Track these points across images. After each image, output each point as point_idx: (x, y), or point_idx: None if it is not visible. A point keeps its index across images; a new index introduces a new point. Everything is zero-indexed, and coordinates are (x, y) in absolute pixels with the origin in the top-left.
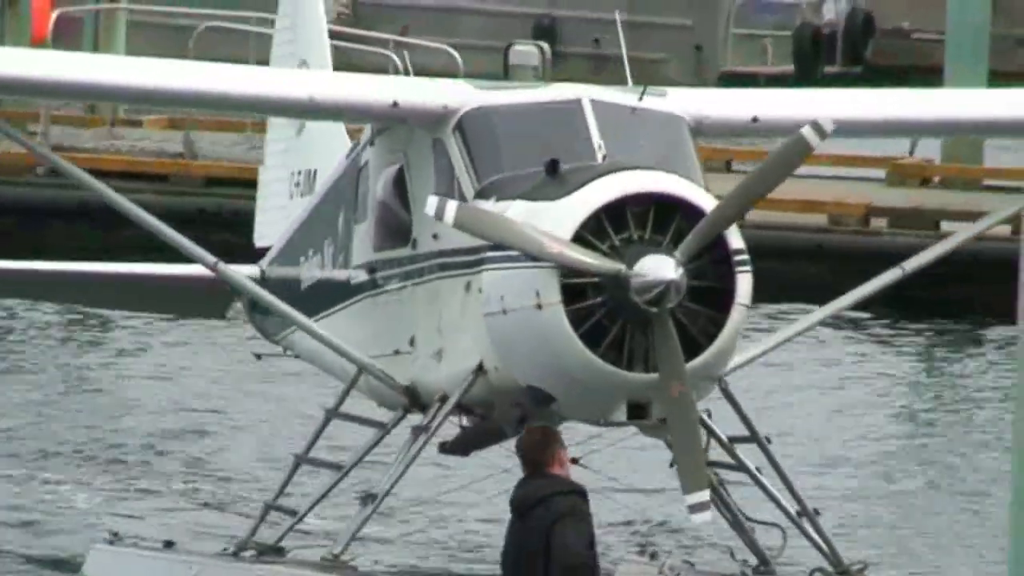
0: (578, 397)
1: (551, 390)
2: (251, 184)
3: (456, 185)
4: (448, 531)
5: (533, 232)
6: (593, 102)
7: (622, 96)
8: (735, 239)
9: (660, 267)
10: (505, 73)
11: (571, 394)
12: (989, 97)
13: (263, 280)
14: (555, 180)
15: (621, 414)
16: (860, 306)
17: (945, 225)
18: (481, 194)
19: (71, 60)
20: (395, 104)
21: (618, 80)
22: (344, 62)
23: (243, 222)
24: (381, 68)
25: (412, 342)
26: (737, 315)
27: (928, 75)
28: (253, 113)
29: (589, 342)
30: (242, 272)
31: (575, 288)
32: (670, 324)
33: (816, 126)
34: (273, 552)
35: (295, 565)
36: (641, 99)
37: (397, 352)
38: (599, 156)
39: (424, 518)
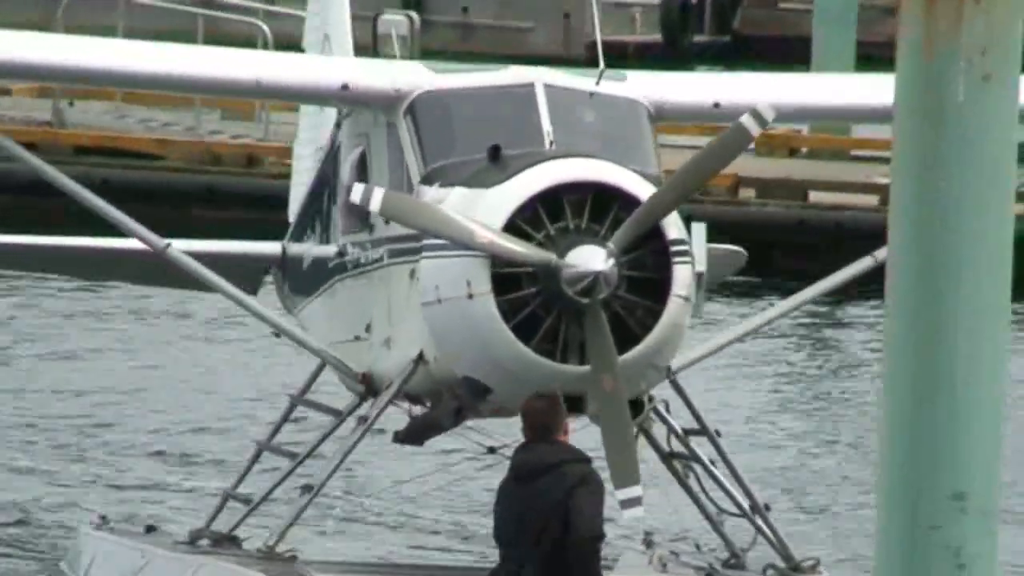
0: (513, 389)
1: (487, 381)
2: (120, 153)
3: (405, 170)
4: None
5: (463, 221)
6: (547, 87)
7: (580, 80)
8: (673, 229)
9: (590, 257)
10: (374, 42)
11: (506, 386)
12: None
13: (284, 256)
14: (496, 166)
15: None
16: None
17: (813, 196)
18: (426, 180)
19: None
20: (345, 87)
21: (486, 48)
22: (214, 31)
23: (113, 190)
24: (251, 37)
25: (368, 329)
26: (674, 307)
27: (796, 45)
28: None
29: (522, 333)
30: (194, 248)
31: (507, 278)
32: (602, 316)
33: (756, 114)
34: (228, 541)
35: (234, 558)
36: (598, 83)
37: (357, 338)
38: (547, 142)
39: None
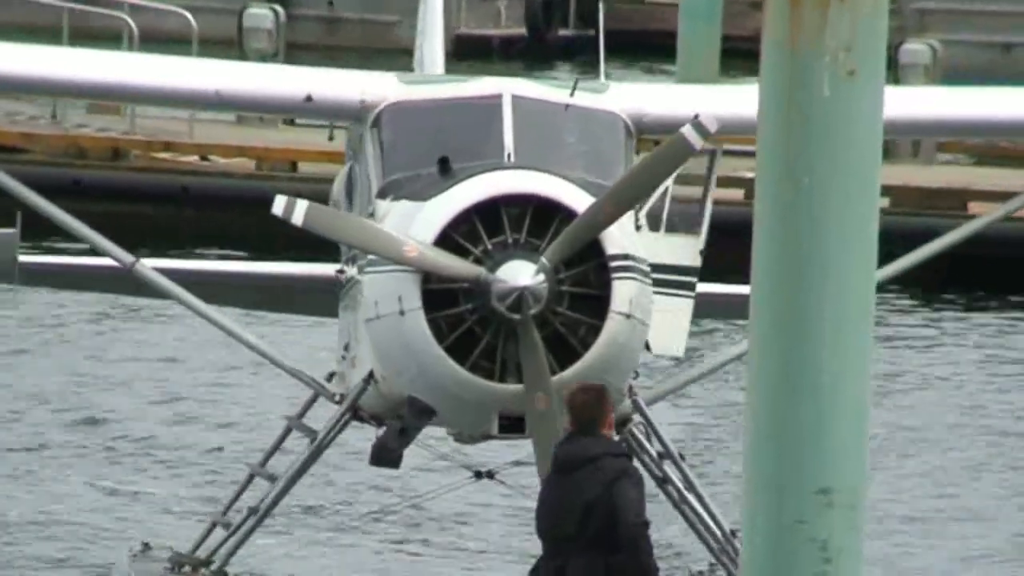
0: (452, 409)
1: (427, 400)
2: None
3: (366, 183)
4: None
5: (390, 234)
6: (516, 99)
7: (555, 93)
8: (613, 244)
9: (517, 272)
10: (239, 36)
11: (447, 405)
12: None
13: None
14: (443, 179)
15: (495, 428)
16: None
17: (675, 190)
18: (381, 193)
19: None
20: (309, 98)
21: (352, 42)
22: (80, 26)
23: None
24: (116, 31)
25: (346, 348)
26: (613, 324)
27: (662, 40)
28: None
29: (458, 351)
30: (257, 270)
31: (444, 294)
32: (534, 332)
33: (698, 125)
34: (204, 567)
35: None
36: (572, 95)
37: (343, 358)
38: (506, 155)
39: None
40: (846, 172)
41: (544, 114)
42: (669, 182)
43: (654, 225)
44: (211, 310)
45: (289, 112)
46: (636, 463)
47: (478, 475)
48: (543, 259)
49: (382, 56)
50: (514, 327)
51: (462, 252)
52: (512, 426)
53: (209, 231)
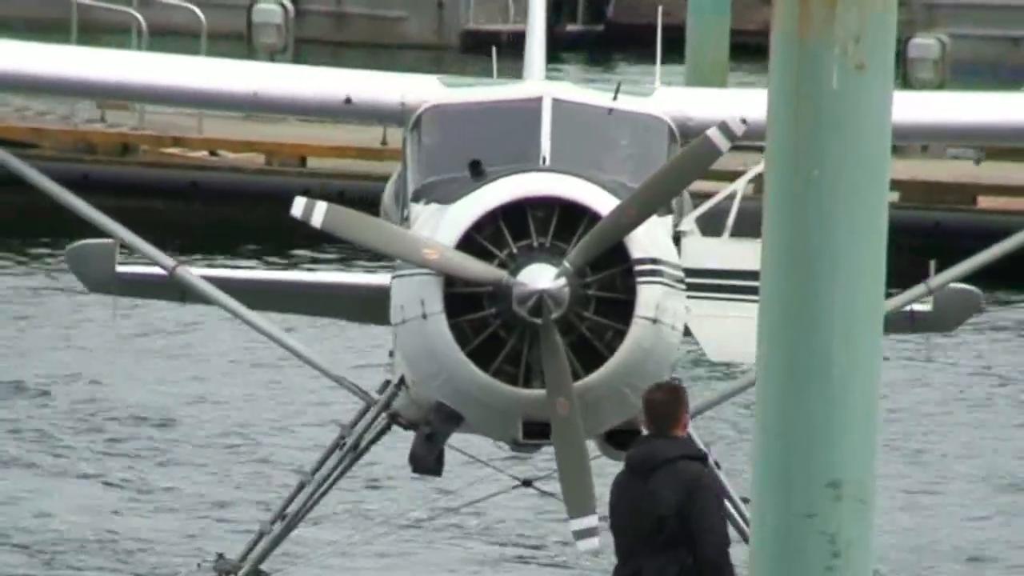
0: (479, 415)
1: (454, 406)
2: None
3: (405, 187)
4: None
5: (411, 237)
6: (557, 102)
7: (599, 96)
8: (638, 248)
9: (537, 275)
10: (248, 31)
11: (473, 411)
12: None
13: None
14: (474, 182)
15: (520, 434)
16: None
17: None
18: (415, 196)
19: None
20: (348, 100)
21: (360, 37)
22: (88, 20)
23: None
24: (125, 26)
25: (391, 353)
26: (638, 329)
27: (670, 33)
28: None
29: (483, 356)
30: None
31: (465, 298)
32: (556, 336)
33: (725, 128)
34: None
35: None
36: (615, 99)
37: (389, 364)
38: (542, 160)
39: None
40: (855, 165)
41: (585, 118)
42: (741, 185)
43: (715, 230)
44: (257, 317)
45: (328, 114)
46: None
47: (526, 483)
48: (565, 263)
49: (389, 51)
50: (537, 331)
51: (487, 255)
52: (537, 431)
53: (218, 226)
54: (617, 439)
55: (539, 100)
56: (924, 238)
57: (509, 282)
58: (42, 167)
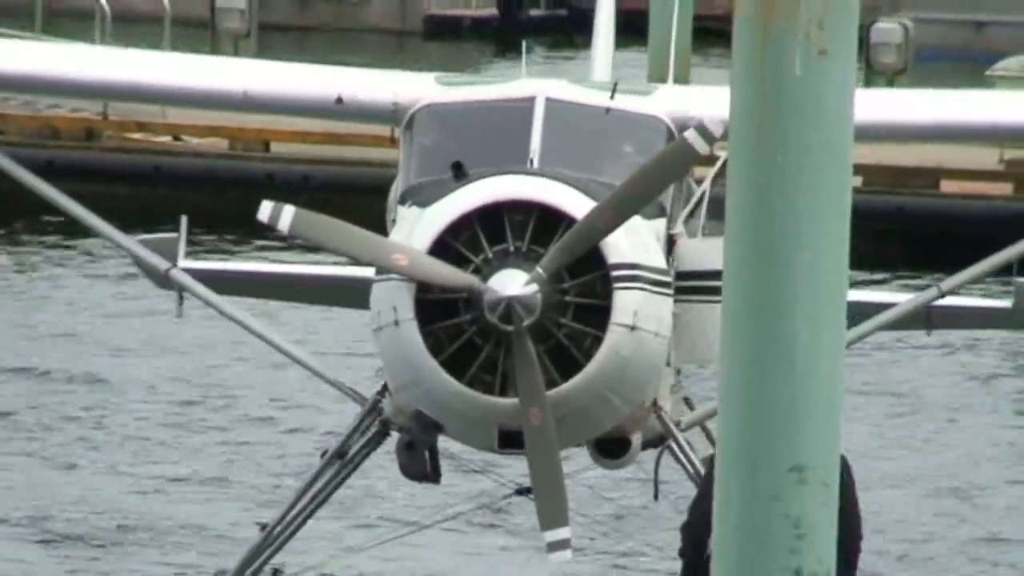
0: (456, 423)
1: (431, 414)
2: None
3: (397, 189)
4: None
5: (380, 242)
6: (550, 101)
7: (596, 96)
8: (615, 252)
9: (506, 281)
10: (212, 16)
11: (448, 420)
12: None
13: None
14: (454, 184)
15: (495, 443)
16: None
17: None
18: (402, 198)
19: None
20: (339, 100)
21: (323, 21)
22: (54, 6)
23: None
24: (89, 11)
25: None
26: (615, 336)
27: (634, 18)
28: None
29: (459, 364)
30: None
31: (439, 305)
32: (528, 344)
33: (702, 129)
34: None
35: None
36: (612, 98)
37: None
38: (529, 160)
39: None
40: (818, 151)
41: (580, 118)
42: (709, 180)
43: (693, 231)
44: (255, 321)
45: (319, 114)
46: None
47: (519, 492)
48: (538, 268)
49: (352, 36)
50: (505, 338)
51: (462, 260)
52: (513, 441)
53: (182, 211)
54: (606, 448)
55: (532, 99)
56: (888, 222)
57: (480, 288)
58: (6, 152)
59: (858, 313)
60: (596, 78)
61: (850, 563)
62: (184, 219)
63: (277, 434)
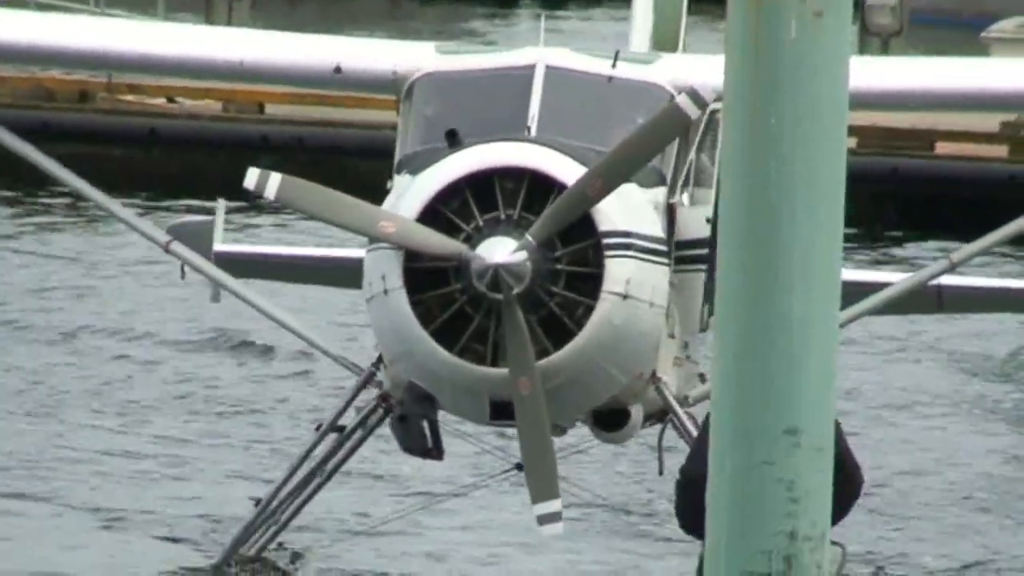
0: (450, 395)
1: (424, 385)
2: None
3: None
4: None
5: (369, 209)
6: (551, 69)
7: (598, 64)
8: (606, 220)
9: (493, 249)
10: None
11: (440, 391)
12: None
13: None
14: (448, 152)
15: (486, 414)
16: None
17: None
18: (398, 168)
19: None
20: (338, 70)
21: None
22: None
23: None
24: None
25: None
26: (607, 304)
27: None
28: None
29: (449, 333)
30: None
31: (429, 273)
32: (517, 313)
33: (694, 94)
34: (254, 563)
35: None
36: (614, 66)
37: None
38: (530, 129)
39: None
40: (813, 113)
41: (581, 86)
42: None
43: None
44: (254, 294)
45: (317, 85)
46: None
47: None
48: (527, 235)
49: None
50: (495, 307)
51: (453, 228)
52: (505, 412)
53: (177, 172)
54: (604, 420)
55: (532, 67)
56: (882, 184)
57: (468, 256)
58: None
59: (860, 293)
60: (634, 47)
61: (846, 505)
62: (221, 203)
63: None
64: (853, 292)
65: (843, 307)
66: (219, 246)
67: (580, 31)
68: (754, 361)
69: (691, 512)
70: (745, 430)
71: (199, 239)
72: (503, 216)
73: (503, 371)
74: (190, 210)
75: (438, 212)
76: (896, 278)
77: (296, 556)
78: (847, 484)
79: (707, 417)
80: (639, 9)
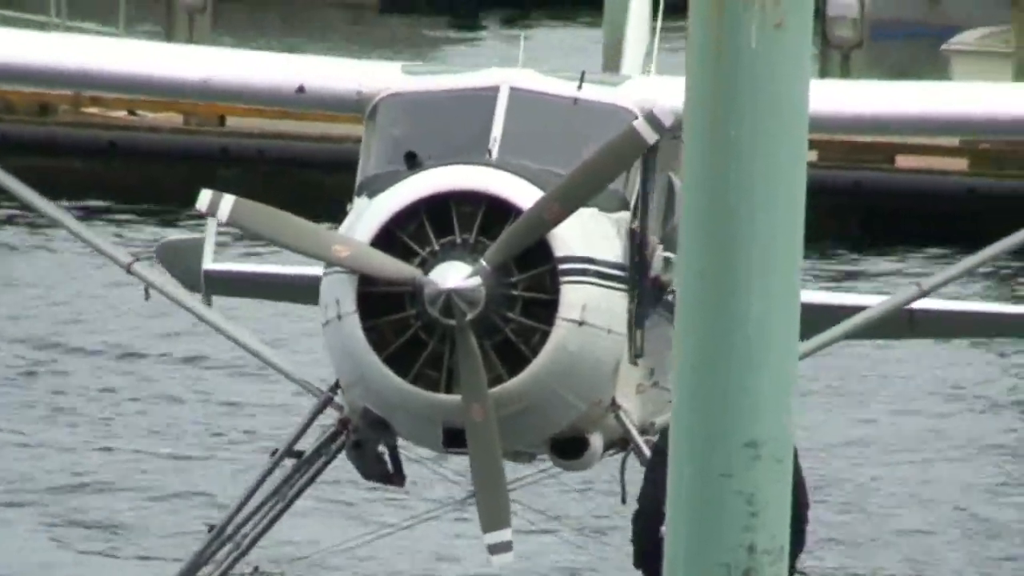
0: (403, 421)
1: (378, 411)
2: None
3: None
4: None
5: (322, 233)
6: (515, 91)
7: (564, 86)
8: (563, 246)
9: (445, 274)
10: (168, 5)
11: (396, 418)
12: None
13: None
14: (406, 175)
15: (439, 441)
16: None
17: None
18: (359, 190)
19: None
20: (301, 89)
21: (274, 8)
22: None
23: None
24: None
25: None
26: (562, 331)
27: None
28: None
29: (403, 359)
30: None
31: (384, 298)
32: (471, 338)
33: (652, 118)
34: None
35: None
36: (580, 88)
37: None
38: (492, 152)
39: None
40: (773, 124)
41: (543, 108)
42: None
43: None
44: (217, 317)
45: (281, 104)
46: None
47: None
48: (482, 260)
49: (308, 10)
50: (448, 333)
51: (408, 252)
52: (459, 439)
53: (137, 185)
54: (562, 448)
55: (496, 89)
56: (843, 197)
57: (421, 281)
58: None
59: (827, 318)
60: (626, 68)
61: (800, 531)
62: (212, 221)
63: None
64: (823, 316)
65: (813, 332)
66: (208, 264)
67: (548, 42)
68: (713, 373)
69: (645, 543)
70: (704, 442)
71: (188, 257)
72: (459, 240)
73: (457, 398)
74: (146, 223)
75: (393, 236)
76: (864, 300)
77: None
78: (801, 514)
79: (656, 443)
80: (632, 31)
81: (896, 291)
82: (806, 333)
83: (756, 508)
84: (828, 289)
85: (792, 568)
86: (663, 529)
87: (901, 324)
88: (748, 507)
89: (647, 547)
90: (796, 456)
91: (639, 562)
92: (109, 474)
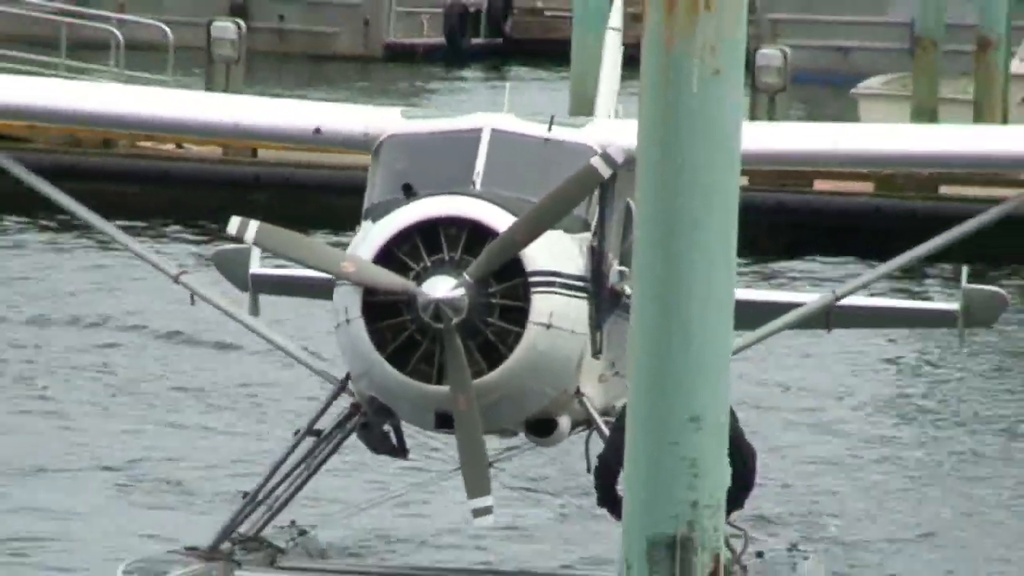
0: (404, 408)
1: (382, 400)
2: None
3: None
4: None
5: (332, 252)
6: (496, 132)
7: (537, 128)
8: (533, 262)
9: (435, 285)
10: (208, 44)
11: (396, 404)
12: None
13: None
14: (403, 203)
15: (431, 424)
16: None
17: None
18: (365, 215)
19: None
20: (318, 131)
21: (300, 49)
22: (74, 37)
23: None
24: (105, 41)
25: None
26: (533, 333)
27: (558, 46)
28: (179, 136)
29: (402, 356)
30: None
31: (385, 306)
32: (456, 340)
33: (606, 156)
34: (253, 543)
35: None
36: (549, 129)
37: None
38: (475, 183)
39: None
40: (712, 154)
41: (519, 146)
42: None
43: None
44: (251, 319)
45: (300, 142)
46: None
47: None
48: (465, 274)
49: (324, 61)
50: (437, 334)
51: (404, 267)
52: (447, 422)
53: (185, 207)
54: (535, 428)
55: (480, 130)
56: (770, 215)
57: (414, 291)
58: (35, 159)
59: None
60: (599, 112)
61: (749, 472)
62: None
63: None
64: (755, 310)
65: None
66: (255, 269)
67: (528, 88)
68: (662, 360)
69: (604, 490)
70: (655, 417)
71: (238, 263)
72: (447, 258)
73: (446, 388)
74: (190, 239)
75: (392, 254)
76: (788, 298)
77: (302, 532)
78: (744, 468)
79: (619, 416)
80: (605, 77)
81: (816, 291)
82: (742, 323)
83: (698, 471)
84: (757, 288)
85: (740, 505)
86: (619, 488)
87: (818, 319)
88: (691, 470)
89: (606, 494)
90: (735, 418)
91: (601, 504)
92: (175, 444)
